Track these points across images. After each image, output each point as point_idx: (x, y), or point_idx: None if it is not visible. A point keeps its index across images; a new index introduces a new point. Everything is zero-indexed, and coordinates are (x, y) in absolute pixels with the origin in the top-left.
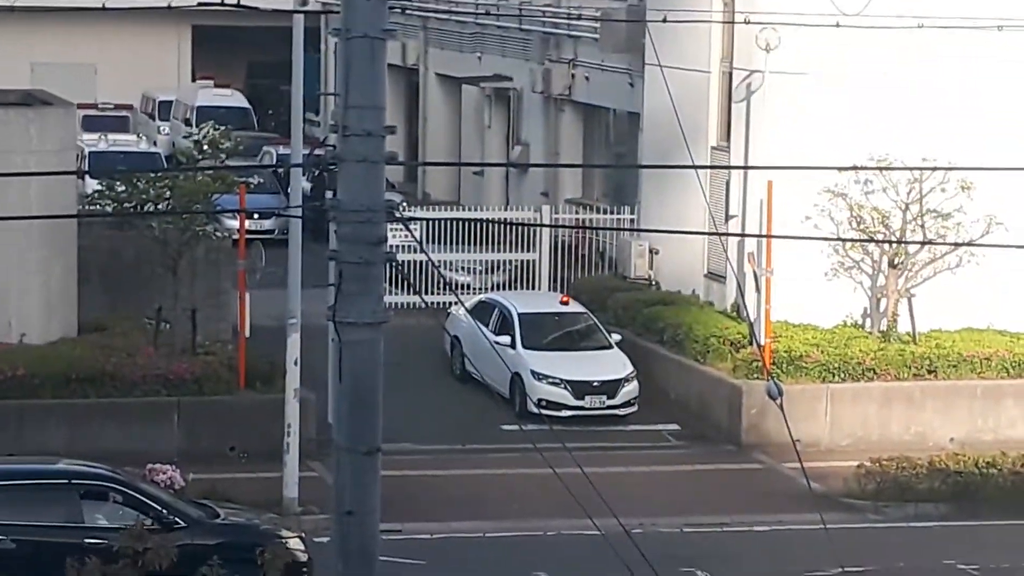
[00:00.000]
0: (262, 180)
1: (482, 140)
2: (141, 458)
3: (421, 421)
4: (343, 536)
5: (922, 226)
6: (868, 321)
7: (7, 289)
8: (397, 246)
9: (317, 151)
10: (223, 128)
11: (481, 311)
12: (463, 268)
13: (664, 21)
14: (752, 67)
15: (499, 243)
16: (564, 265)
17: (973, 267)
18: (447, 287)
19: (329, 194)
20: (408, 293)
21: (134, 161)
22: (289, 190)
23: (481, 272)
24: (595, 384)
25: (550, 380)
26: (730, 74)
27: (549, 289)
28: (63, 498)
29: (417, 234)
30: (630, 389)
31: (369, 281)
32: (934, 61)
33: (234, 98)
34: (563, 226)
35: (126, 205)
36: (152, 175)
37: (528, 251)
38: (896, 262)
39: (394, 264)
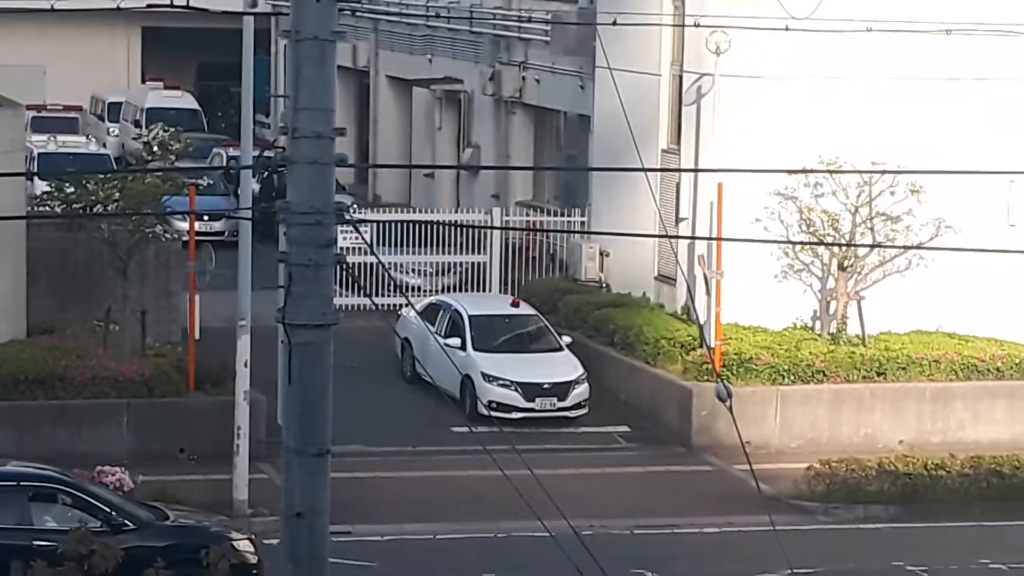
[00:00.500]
0: (212, 182)
1: (433, 142)
2: (90, 460)
3: (371, 423)
4: (293, 538)
5: (871, 229)
6: (818, 324)
7: None
8: (347, 248)
9: (267, 153)
10: (173, 130)
11: (431, 313)
12: (413, 270)
13: (614, 24)
14: (702, 70)
15: (449, 245)
16: (515, 267)
17: (922, 270)
18: (397, 289)
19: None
20: (358, 295)
21: (83, 162)
22: (239, 192)
23: (431, 274)
24: (545, 386)
25: (500, 382)
26: (680, 77)
27: (500, 291)
28: (11, 500)
29: (367, 236)
30: (580, 391)
31: (319, 283)
32: (883, 65)
33: (184, 100)
34: (514, 228)
35: (75, 206)
36: (101, 176)
37: (479, 253)
38: (846, 265)
39: (344, 266)
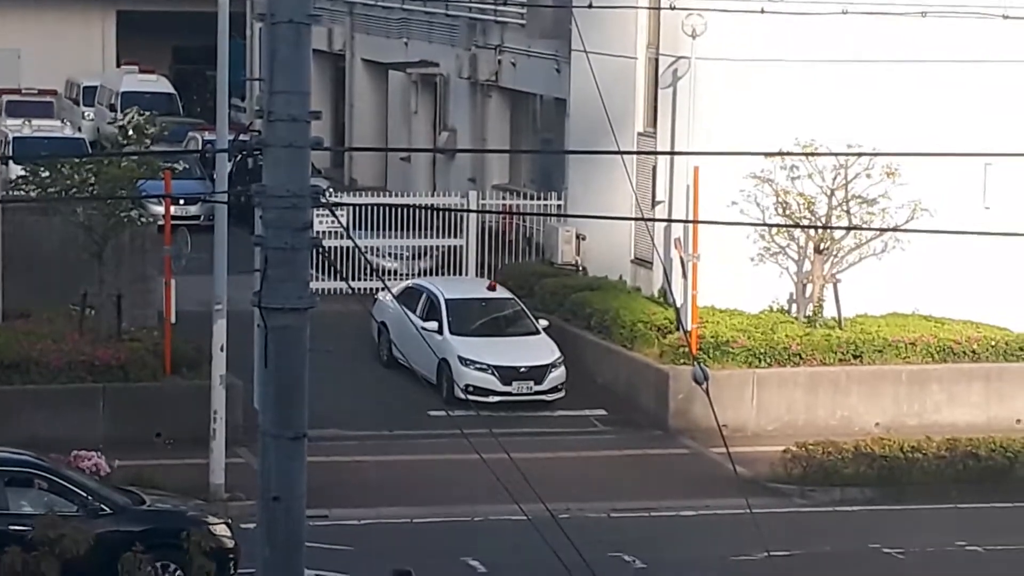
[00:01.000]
0: (187, 166)
1: (409, 126)
2: (66, 445)
3: (348, 407)
4: (270, 522)
5: (847, 212)
6: (794, 306)
7: None
8: (323, 232)
9: (242, 136)
10: (148, 114)
11: (408, 297)
12: (390, 254)
13: (590, 7)
14: (678, 53)
15: (426, 229)
16: (491, 251)
17: (898, 253)
18: (374, 273)
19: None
20: (334, 279)
21: (58, 146)
22: (215, 176)
23: (408, 258)
24: (522, 370)
25: (477, 366)
26: (656, 60)
27: (476, 275)
28: None
29: (343, 220)
30: (557, 375)
31: (295, 267)
32: (859, 48)
33: (159, 83)
34: (490, 212)
35: (50, 191)
36: (77, 161)
37: (455, 237)
38: (822, 247)
39: (320, 250)
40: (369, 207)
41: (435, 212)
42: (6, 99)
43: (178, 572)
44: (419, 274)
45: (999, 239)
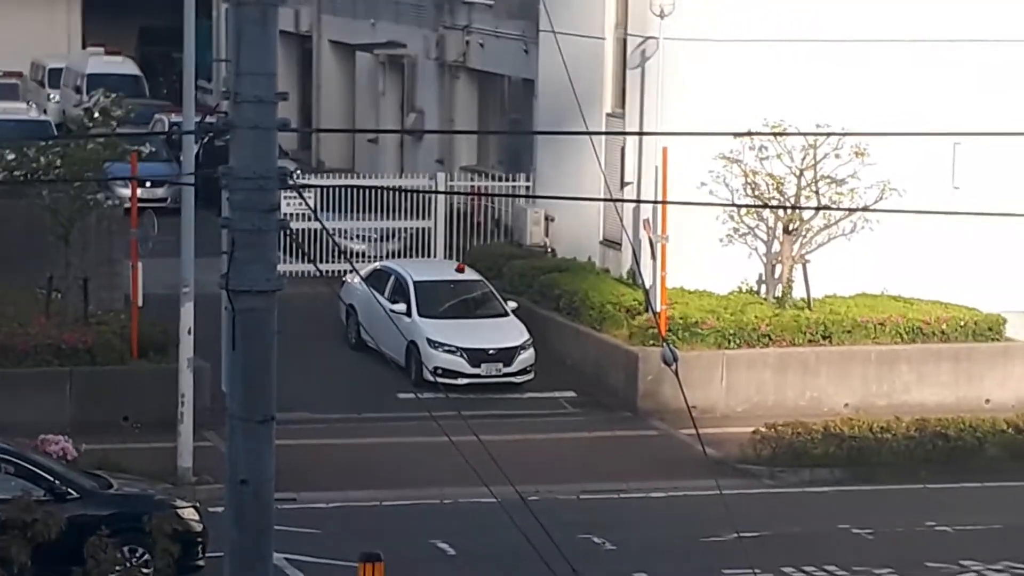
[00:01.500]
0: (154, 148)
1: (376, 107)
2: (33, 429)
3: (316, 390)
4: (238, 505)
5: (816, 192)
6: (763, 287)
7: None
8: (291, 214)
9: (209, 118)
10: (114, 96)
11: (376, 279)
12: (358, 236)
13: None
14: (647, 33)
15: (394, 211)
16: (459, 233)
17: (867, 233)
18: (342, 255)
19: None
20: (302, 261)
21: (24, 129)
22: (181, 158)
23: (376, 240)
24: (491, 352)
25: (446, 348)
26: (625, 40)
27: (444, 257)
28: None
29: (311, 202)
30: (526, 357)
31: (262, 249)
32: (827, 28)
33: (125, 65)
34: (458, 193)
35: (16, 174)
36: (42, 143)
37: (423, 219)
38: (791, 228)
39: (287, 232)
40: (337, 189)
41: (403, 194)
42: None
43: (145, 556)
44: (387, 256)
45: (968, 219)
